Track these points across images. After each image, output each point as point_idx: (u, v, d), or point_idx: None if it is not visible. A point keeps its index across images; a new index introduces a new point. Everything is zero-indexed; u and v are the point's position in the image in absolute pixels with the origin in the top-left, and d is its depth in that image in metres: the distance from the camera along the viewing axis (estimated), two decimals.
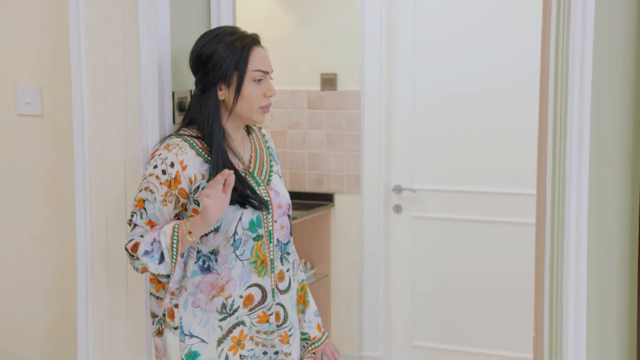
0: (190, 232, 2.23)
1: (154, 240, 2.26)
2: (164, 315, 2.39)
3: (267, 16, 4.71)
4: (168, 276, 2.29)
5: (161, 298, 2.39)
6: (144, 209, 2.30)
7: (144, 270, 2.29)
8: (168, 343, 2.37)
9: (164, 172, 2.29)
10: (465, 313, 4.57)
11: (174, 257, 2.25)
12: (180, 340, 2.36)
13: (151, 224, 2.31)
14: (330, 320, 4.76)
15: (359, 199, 4.61)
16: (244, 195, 2.33)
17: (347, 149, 4.63)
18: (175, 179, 2.29)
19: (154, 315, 2.45)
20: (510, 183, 4.42)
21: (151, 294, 2.43)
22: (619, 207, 2.40)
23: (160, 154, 2.31)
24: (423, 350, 4.66)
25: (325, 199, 4.67)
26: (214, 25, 2.77)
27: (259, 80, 2.37)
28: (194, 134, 2.37)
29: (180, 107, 2.61)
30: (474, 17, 4.41)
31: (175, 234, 2.24)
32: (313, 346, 2.60)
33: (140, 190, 2.31)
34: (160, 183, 2.29)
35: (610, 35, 2.35)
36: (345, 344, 4.72)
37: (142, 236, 2.29)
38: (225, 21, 2.79)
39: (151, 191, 2.29)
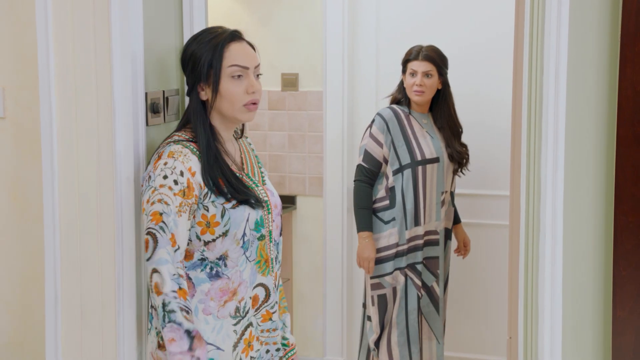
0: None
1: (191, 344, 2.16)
2: None
3: (225, 14, 4.62)
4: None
5: None
6: (163, 222, 2.20)
7: (156, 288, 2.20)
8: None
9: (175, 182, 2.22)
10: None
11: None
12: None
13: (173, 239, 2.21)
14: (293, 324, 4.71)
15: (322, 201, 4.57)
16: (245, 194, 2.32)
17: (309, 151, 4.58)
18: (188, 187, 2.24)
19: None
20: (474, 184, 4.42)
21: (152, 306, 2.36)
22: (594, 209, 2.42)
23: (167, 163, 2.25)
24: None
25: (286, 201, 4.61)
26: (186, 25, 2.72)
27: (238, 76, 2.33)
28: (190, 138, 2.35)
29: (153, 108, 2.54)
30: (439, 21, 4.40)
31: None
32: (292, 352, 2.61)
33: (153, 203, 2.22)
34: (174, 194, 2.21)
35: (584, 40, 2.37)
36: (309, 349, 4.67)
37: (169, 270, 2.17)
38: (197, 20, 2.74)
39: (166, 203, 2.20)
